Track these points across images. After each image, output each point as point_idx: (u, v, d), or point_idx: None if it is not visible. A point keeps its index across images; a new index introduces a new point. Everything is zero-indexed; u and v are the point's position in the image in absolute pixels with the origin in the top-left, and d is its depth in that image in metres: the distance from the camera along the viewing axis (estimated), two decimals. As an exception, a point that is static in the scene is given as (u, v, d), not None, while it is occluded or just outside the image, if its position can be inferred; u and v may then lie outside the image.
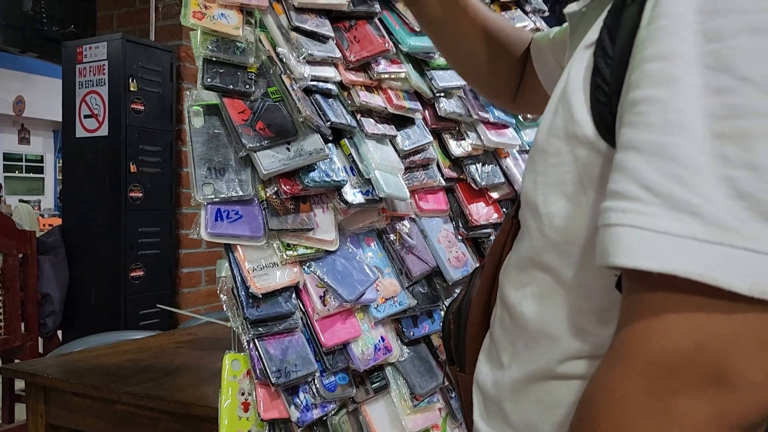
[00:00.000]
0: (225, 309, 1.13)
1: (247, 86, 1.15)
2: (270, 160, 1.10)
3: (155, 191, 3.17)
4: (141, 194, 3.08)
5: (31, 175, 11.30)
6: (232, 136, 1.12)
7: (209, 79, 1.11)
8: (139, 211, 3.09)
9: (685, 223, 0.37)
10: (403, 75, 1.37)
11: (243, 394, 1.12)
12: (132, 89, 2.99)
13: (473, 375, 0.68)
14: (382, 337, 1.24)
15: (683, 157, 0.38)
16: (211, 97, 1.17)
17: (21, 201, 7.30)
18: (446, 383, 1.30)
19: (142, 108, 3.06)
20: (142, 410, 1.44)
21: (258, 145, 1.10)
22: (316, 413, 1.12)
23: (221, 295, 1.14)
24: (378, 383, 1.23)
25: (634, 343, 0.39)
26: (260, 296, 1.09)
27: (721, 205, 0.37)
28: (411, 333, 1.30)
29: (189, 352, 1.83)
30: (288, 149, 1.12)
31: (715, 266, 0.36)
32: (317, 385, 1.13)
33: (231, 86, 1.13)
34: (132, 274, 3.07)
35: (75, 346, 2.07)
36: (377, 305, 1.24)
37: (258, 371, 1.09)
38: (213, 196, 1.10)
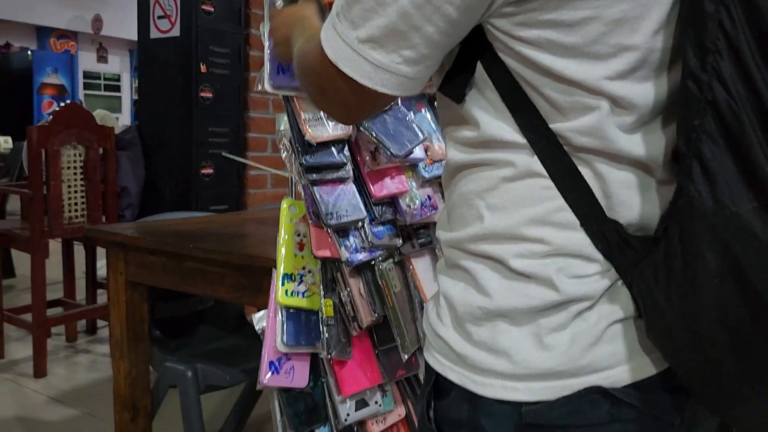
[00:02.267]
0: (283, 159, 1.23)
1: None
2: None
3: (224, 93, 3.29)
4: (211, 94, 3.21)
5: (110, 93, 11.73)
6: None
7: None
8: (209, 111, 3.22)
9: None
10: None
11: (299, 235, 1.23)
12: (203, -10, 3.08)
13: None
14: (429, 196, 1.31)
15: None
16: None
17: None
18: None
19: (212, 9, 3.16)
20: (210, 266, 1.58)
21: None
22: (364, 256, 1.22)
23: (280, 146, 1.23)
24: (424, 239, 1.32)
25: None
26: (314, 144, 1.18)
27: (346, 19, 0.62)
28: (457, 196, 1.37)
29: (254, 224, 1.96)
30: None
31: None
32: (366, 231, 1.22)
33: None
34: (203, 171, 3.23)
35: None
36: (425, 165, 1.31)
37: (312, 213, 1.19)
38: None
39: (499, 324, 0.63)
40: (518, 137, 0.62)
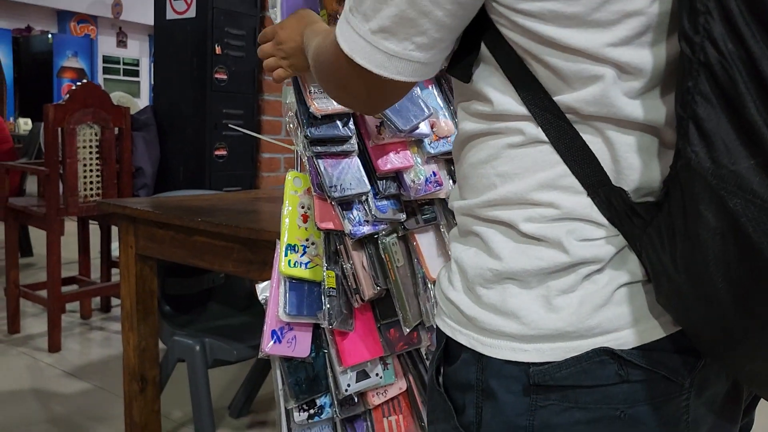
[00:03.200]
0: (289, 132, 1.24)
1: None
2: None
3: (239, 75, 3.31)
4: (225, 76, 3.23)
5: (128, 78, 11.81)
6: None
7: None
8: (223, 93, 3.24)
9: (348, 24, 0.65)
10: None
11: (303, 207, 1.24)
12: (218, -29, 3.10)
13: None
14: (434, 172, 1.32)
15: None
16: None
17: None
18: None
19: (228, -10, 3.17)
20: (217, 240, 1.60)
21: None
22: (367, 229, 1.23)
23: (286, 119, 1.24)
24: (428, 215, 1.33)
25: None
26: (319, 117, 1.19)
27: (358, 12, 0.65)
28: (462, 173, 1.38)
29: (263, 202, 1.98)
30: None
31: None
32: (370, 205, 1.24)
33: None
34: (216, 153, 3.25)
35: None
36: (431, 141, 1.32)
37: (316, 186, 1.20)
38: None
39: (509, 286, 0.64)
40: (524, 110, 0.63)
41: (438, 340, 0.72)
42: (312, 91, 1.20)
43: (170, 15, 3.23)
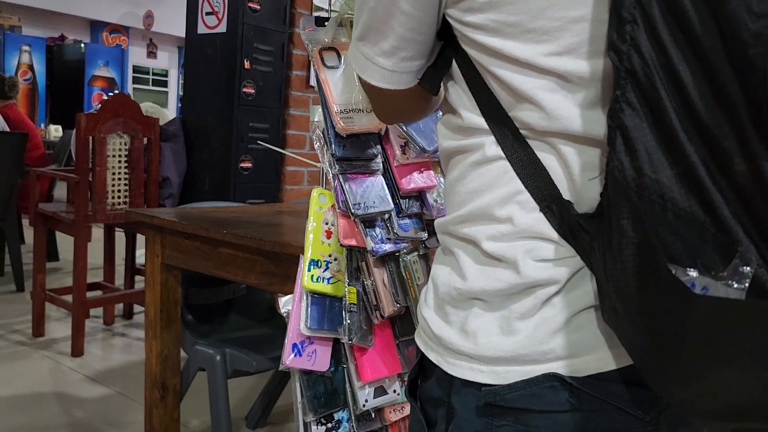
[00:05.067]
0: (316, 149, 1.27)
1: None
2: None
3: (266, 89, 3.36)
4: (253, 90, 3.28)
5: (157, 88, 12.00)
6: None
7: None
8: (250, 107, 3.30)
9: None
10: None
11: (327, 223, 1.26)
12: (249, -12, 3.16)
13: None
14: (456, 193, 1.34)
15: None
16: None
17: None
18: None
19: (258, 7, 3.23)
20: (241, 252, 1.63)
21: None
22: (388, 247, 1.25)
23: (314, 137, 1.27)
24: (449, 234, 1.34)
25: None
26: (344, 136, 1.21)
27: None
28: (484, 195, 1.39)
29: (287, 216, 2.01)
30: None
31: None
32: (392, 223, 1.26)
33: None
34: (241, 165, 3.30)
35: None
36: (454, 162, 1.34)
37: (340, 203, 1.23)
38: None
39: (474, 308, 0.64)
40: (485, 124, 0.65)
41: (417, 353, 0.73)
42: (338, 111, 1.22)
43: (201, 29, 3.30)
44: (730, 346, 0.47)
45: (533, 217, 0.62)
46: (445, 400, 0.67)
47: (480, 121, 0.65)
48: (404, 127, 1.26)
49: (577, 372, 0.61)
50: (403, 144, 1.28)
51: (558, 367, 0.61)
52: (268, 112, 3.42)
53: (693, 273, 0.50)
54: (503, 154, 0.63)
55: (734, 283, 0.48)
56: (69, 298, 3.09)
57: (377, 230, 1.25)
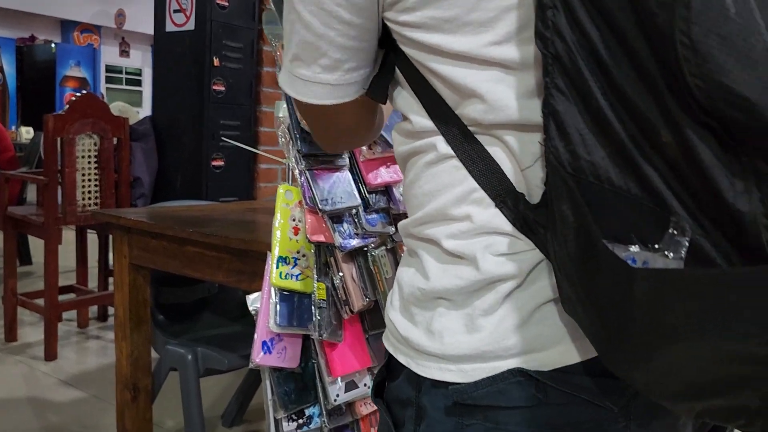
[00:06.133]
0: (281, 145, 1.27)
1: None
2: None
3: (237, 86, 3.34)
4: (223, 88, 3.26)
5: (131, 87, 11.87)
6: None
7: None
8: (221, 104, 3.27)
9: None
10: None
11: (294, 220, 1.26)
12: (217, -16, 3.13)
13: None
14: (423, 186, 1.34)
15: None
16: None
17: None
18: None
19: (227, 4, 3.21)
20: (209, 251, 1.62)
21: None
22: (356, 242, 1.25)
23: (279, 133, 1.27)
24: (417, 228, 1.34)
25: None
26: (309, 131, 1.21)
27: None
28: (452, 187, 1.40)
29: (257, 213, 2.00)
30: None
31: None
32: (360, 218, 1.26)
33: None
34: (213, 163, 3.28)
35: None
36: (420, 156, 1.34)
37: (308, 198, 1.22)
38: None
39: (438, 307, 0.64)
40: (433, 125, 0.64)
41: (385, 355, 0.73)
42: (303, 106, 1.22)
43: (170, 27, 3.27)
44: (677, 319, 0.46)
45: (490, 213, 0.62)
46: (413, 400, 0.67)
47: (428, 123, 0.64)
48: (369, 122, 1.25)
49: (542, 366, 0.60)
50: (369, 138, 1.28)
51: (522, 362, 0.60)
52: (239, 109, 3.40)
53: (634, 249, 0.50)
54: (454, 153, 0.63)
55: (671, 253, 0.48)
56: (41, 301, 3.04)
57: (345, 225, 1.25)
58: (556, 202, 0.53)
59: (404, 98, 0.67)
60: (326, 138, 0.80)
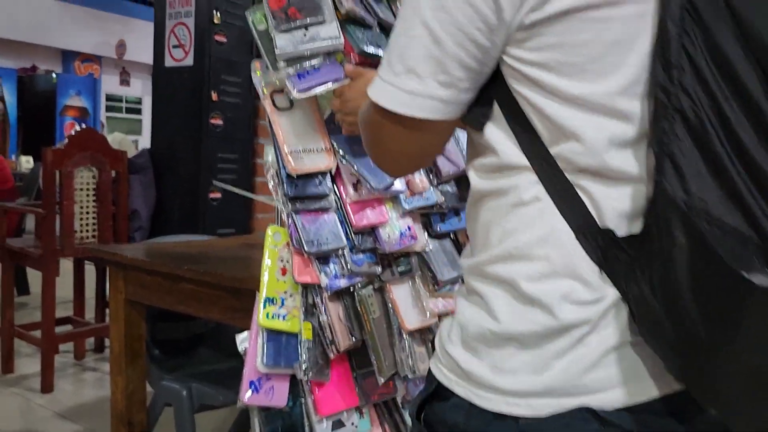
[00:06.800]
0: (270, 188, 1.30)
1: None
2: (285, 42, 1.23)
3: (235, 120, 3.39)
4: (221, 122, 3.31)
5: (131, 116, 11.97)
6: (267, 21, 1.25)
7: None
8: (219, 138, 3.32)
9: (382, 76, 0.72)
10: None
11: (282, 260, 1.29)
12: (216, 22, 3.20)
13: None
14: (408, 227, 1.38)
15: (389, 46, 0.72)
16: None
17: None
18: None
19: (225, 40, 3.27)
20: (203, 288, 1.65)
21: (282, 26, 1.23)
22: (343, 282, 1.28)
23: (268, 177, 1.31)
24: (403, 267, 1.38)
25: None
26: (295, 176, 1.25)
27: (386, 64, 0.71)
28: (438, 227, 1.43)
29: (251, 249, 2.03)
30: (304, 34, 1.24)
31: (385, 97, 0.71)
32: (346, 259, 1.29)
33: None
34: (211, 196, 3.32)
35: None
36: (406, 197, 1.38)
37: (294, 240, 1.26)
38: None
39: (509, 347, 0.69)
40: (524, 161, 0.69)
41: (428, 381, 0.77)
42: (289, 151, 1.26)
43: (169, 62, 3.33)
44: None
45: (569, 252, 0.67)
46: (461, 426, 0.71)
47: (519, 158, 0.69)
48: (355, 166, 1.29)
49: (609, 405, 0.66)
50: (355, 182, 1.32)
51: (590, 401, 0.66)
52: (237, 142, 3.45)
53: (744, 272, 0.57)
54: (543, 190, 0.68)
55: None
56: (38, 333, 3.06)
57: (331, 266, 1.28)
58: (665, 229, 0.60)
59: (496, 131, 0.71)
60: (397, 158, 0.80)
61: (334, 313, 1.28)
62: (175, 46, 3.30)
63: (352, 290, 1.31)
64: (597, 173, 0.66)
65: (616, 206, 0.66)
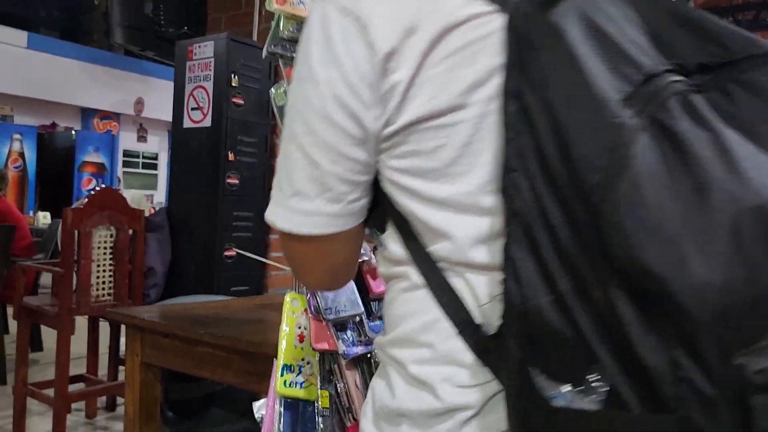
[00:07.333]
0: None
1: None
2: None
3: (250, 179, 3.45)
4: (237, 181, 3.37)
5: (147, 171, 12.15)
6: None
7: (272, 47, 1.31)
8: (234, 197, 3.37)
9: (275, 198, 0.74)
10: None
11: (299, 327, 1.30)
12: (233, 84, 3.29)
13: None
14: (425, 293, 1.39)
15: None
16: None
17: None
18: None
19: (242, 102, 3.36)
20: (218, 351, 1.66)
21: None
22: (360, 349, 1.28)
23: (286, 244, 1.33)
24: (420, 333, 1.38)
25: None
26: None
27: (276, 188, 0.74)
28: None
29: (267, 311, 2.04)
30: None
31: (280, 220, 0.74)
32: (363, 325, 1.30)
33: (290, 54, 1.32)
34: (226, 254, 3.35)
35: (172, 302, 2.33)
36: (422, 263, 1.39)
37: (312, 308, 1.27)
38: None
39: (402, 424, 0.71)
40: (409, 257, 0.72)
41: None
42: (310, 220, 1.28)
43: (187, 123, 3.41)
44: None
45: (451, 344, 0.69)
46: None
47: (404, 255, 0.73)
48: (374, 233, 1.31)
49: None
50: (373, 249, 1.34)
51: None
52: (253, 200, 3.50)
53: (565, 388, 0.57)
54: (425, 283, 0.71)
55: (590, 395, 0.56)
56: (51, 391, 3.06)
57: (348, 333, 1.29)
58: (507, 336, 0.61)
59: (388, 230, 0.76)
60: (316, 273, 0.82)
61: (351, 380, 1.28)
62: (193, 109, 3.38)
63: (369, 357, 1.31)
64: (468, 266, 0.69)
65: (490, 292, 0.68)
